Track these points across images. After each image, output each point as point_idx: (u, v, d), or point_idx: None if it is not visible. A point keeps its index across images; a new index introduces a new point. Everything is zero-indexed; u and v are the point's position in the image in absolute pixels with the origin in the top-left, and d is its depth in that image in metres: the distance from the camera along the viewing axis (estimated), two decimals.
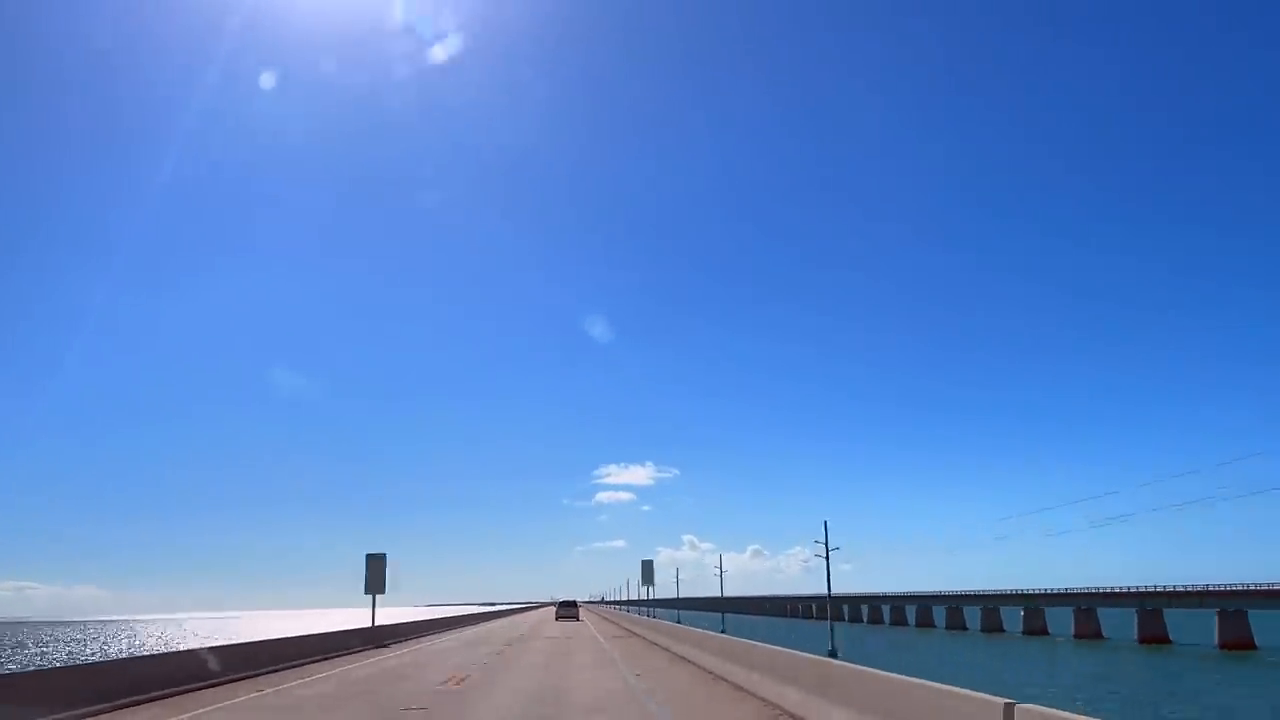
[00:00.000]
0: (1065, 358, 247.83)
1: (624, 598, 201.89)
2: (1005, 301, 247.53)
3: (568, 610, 69.59)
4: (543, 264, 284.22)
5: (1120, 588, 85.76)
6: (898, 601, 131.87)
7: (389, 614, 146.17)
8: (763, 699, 15.19)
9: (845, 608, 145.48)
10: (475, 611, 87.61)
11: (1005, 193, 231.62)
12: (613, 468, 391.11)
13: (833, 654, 37.11)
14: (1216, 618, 73.82)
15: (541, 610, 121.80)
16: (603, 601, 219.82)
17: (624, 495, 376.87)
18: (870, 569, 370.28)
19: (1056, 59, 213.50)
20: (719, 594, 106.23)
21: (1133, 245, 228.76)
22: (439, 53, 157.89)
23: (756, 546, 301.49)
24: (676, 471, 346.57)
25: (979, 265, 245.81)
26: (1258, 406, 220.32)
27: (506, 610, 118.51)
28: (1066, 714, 6.69)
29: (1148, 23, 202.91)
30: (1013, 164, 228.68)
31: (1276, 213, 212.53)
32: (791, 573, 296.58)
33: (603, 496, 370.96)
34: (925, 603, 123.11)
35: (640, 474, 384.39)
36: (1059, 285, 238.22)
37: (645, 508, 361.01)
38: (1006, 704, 7.29)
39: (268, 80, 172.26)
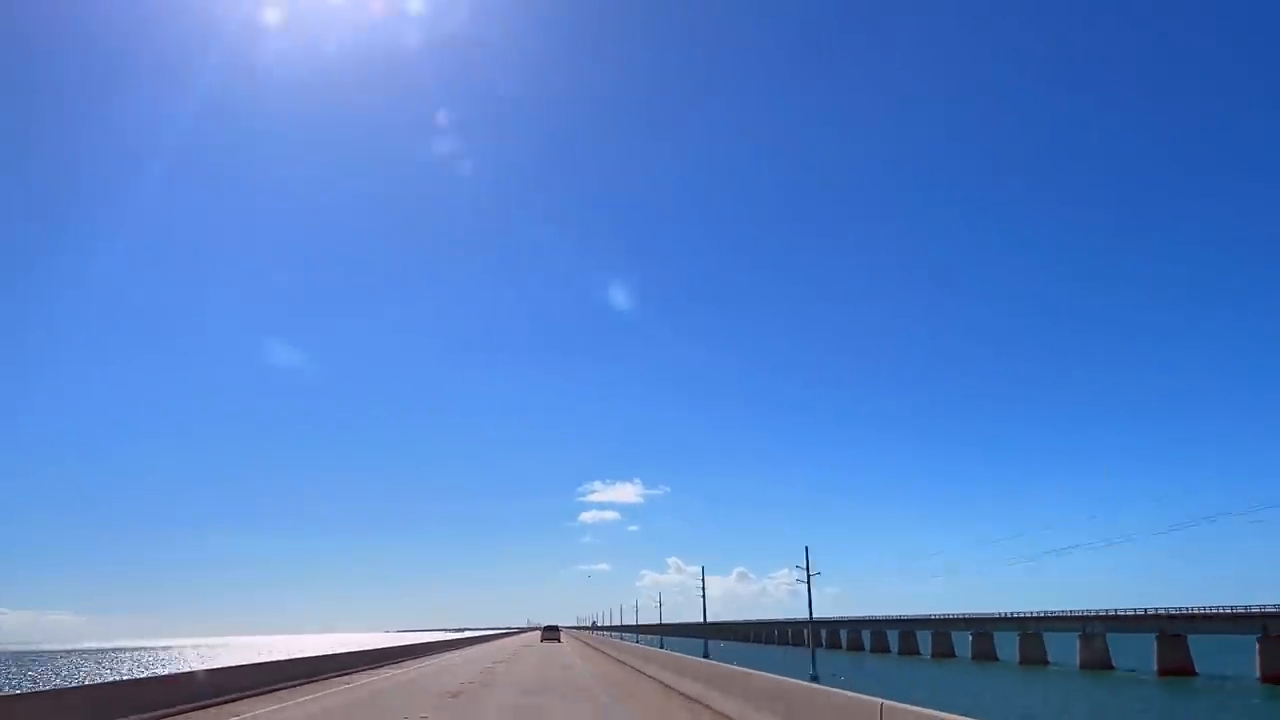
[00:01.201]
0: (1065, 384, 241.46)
1: (613, 623, 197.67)
2: (992, 331, 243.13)
3: (551, 634, 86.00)
4: (529, 267, 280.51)
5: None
6: (892, 626, 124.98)
7: (353, 640, 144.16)
8: None
9: (824, 632, 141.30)
10: (435, 639, 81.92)
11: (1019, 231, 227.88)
12: (598, 484, 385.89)
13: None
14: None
15: (521, 636, 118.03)
16: (594, 627, 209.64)
17: (610, 514, 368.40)
18: (859, 592, 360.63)
19: (1033, 78, 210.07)
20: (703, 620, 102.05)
21: (1116, 270, 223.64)
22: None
23: (742, 569, 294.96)
24: (666, 489, 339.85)
25: (964, 295, 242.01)
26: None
27: (473, 638, 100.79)
28: (936, 712, 7.62)
29: (1125, 44, 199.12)
30: (999, 191, 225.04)
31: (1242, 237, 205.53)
32: (778, 596, 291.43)
33: (587, 516, 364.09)
34: (913, 627, 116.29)
35: (628, 491, 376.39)
36: (1037, 312, 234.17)
37: (632, 527, 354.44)
38: (881, 704, 8.59)
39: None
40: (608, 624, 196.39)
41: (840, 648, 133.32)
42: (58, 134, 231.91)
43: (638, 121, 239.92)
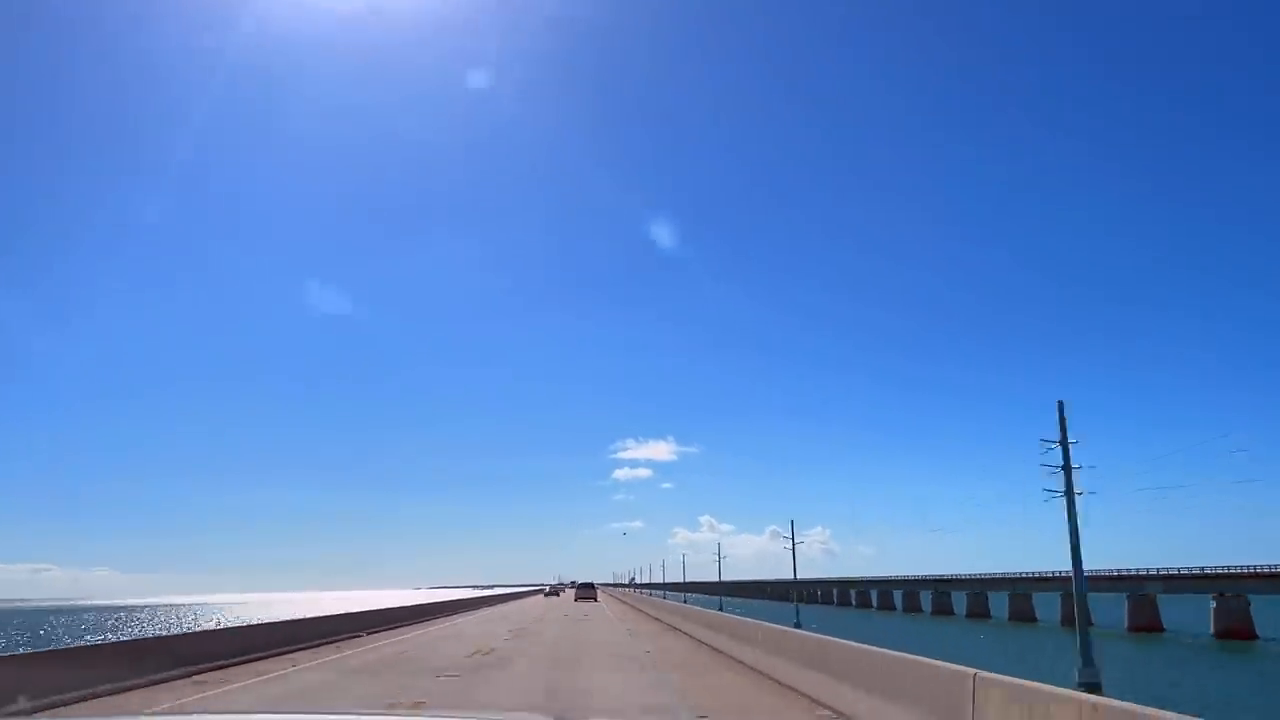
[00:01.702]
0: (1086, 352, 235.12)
1: (647, 580, 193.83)
2: (1028, 295, 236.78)
3: (585, 592, 78.67)
4: (559, 215, 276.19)
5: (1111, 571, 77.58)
6: (897, 586, 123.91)
7: (383, 597, 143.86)
8: None
9: (854, 592, 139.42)
10: (442, 600, 74.57)
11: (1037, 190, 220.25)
12: (631, 442, 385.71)
13: None
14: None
15: (546, 599, 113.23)
16: (631, 585, 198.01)
17: (643, 472, 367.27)
18: (892, 552, 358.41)
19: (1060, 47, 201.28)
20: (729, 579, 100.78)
21: (1147, 238, 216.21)
22: None
23: (775, 528, 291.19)
24: (699, 447, 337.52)
25: (1002, 258, 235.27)
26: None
27: (484, 599, 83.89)
28: (1028, 682, 7.85)
29: (1153, 11, 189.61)
30: (1029, 159, 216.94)
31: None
32: (811, 554, 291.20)
33: (620, 474, 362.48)
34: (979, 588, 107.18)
35: (661, 449, 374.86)
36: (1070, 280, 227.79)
37: (666, 485, 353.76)
38: (974, 674, 8.60)
39: None
40: (646, 581, 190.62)
41: (871, 607, 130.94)
42: (99, 81, 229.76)
43: (684, 65, 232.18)
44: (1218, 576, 67.59)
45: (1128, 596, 73.45)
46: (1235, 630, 63.68)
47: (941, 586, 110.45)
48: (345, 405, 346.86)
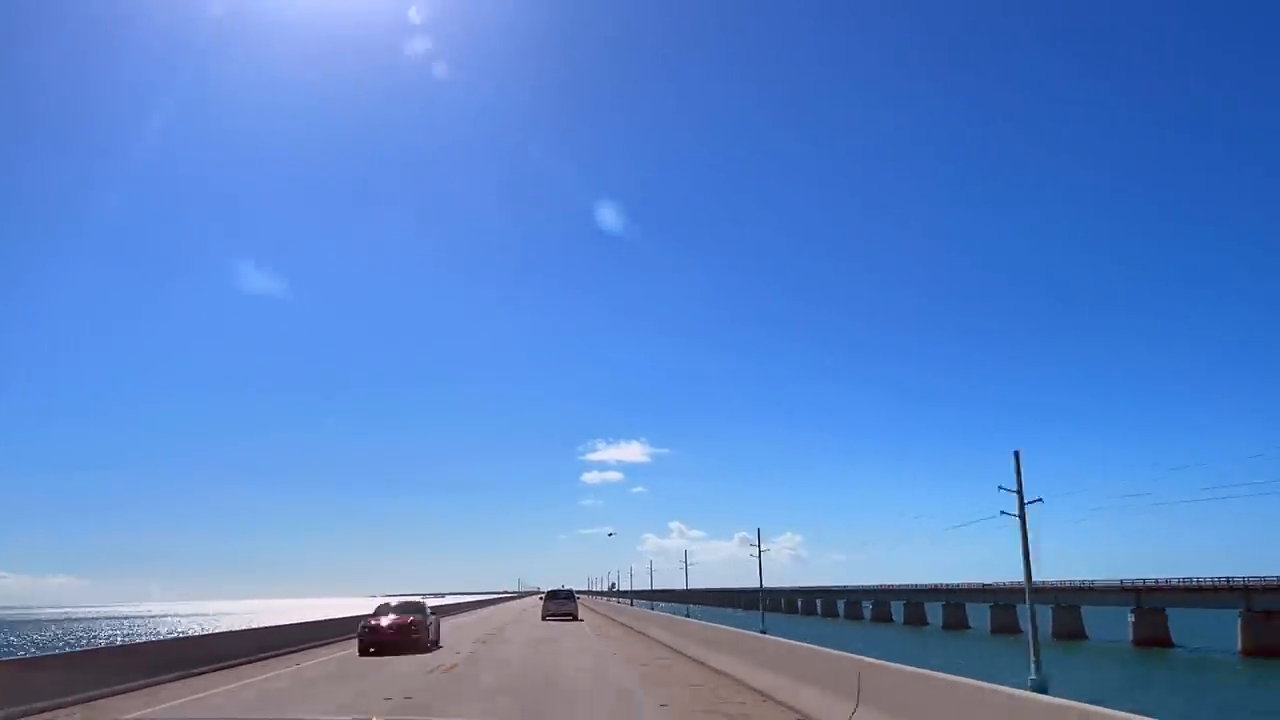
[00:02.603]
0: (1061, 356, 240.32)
1: (626, 587, 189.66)
2: (999, 301, 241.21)
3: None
4: (528, 210, 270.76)
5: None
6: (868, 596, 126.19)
7: (337, 606, 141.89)
8: None
9: (820, 602, 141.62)
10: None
11: (1006, 197, 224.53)
12: (601, 443, 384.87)
13: None
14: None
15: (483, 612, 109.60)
16: (613, 591, 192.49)
17: (613, 475, 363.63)
18: (868, 560, 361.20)
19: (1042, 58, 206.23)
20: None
21: (1119, 246, 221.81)
22: None
23: (744, 534, 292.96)
24: (671, 450, 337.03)
25: (976, 266, 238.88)
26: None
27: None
28: (911, 668, 8.82)
29: (1136, 21, 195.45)
30: (1006, 165, 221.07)
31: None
32: (780, 560, 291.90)
33: (590, 477, 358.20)
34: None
35: (633, 450, 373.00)
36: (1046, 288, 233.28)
37: (636, 489, 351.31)
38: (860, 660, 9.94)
39: None
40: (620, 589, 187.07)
41: (816, 614, 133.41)
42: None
43: (650, 59, 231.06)
44: (1138, 589, 70.64)
45: (1053, 607, 76.35)
46: (1153, 639, 67.11)
47: (880, 596, 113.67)
48: (303, 409, 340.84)
